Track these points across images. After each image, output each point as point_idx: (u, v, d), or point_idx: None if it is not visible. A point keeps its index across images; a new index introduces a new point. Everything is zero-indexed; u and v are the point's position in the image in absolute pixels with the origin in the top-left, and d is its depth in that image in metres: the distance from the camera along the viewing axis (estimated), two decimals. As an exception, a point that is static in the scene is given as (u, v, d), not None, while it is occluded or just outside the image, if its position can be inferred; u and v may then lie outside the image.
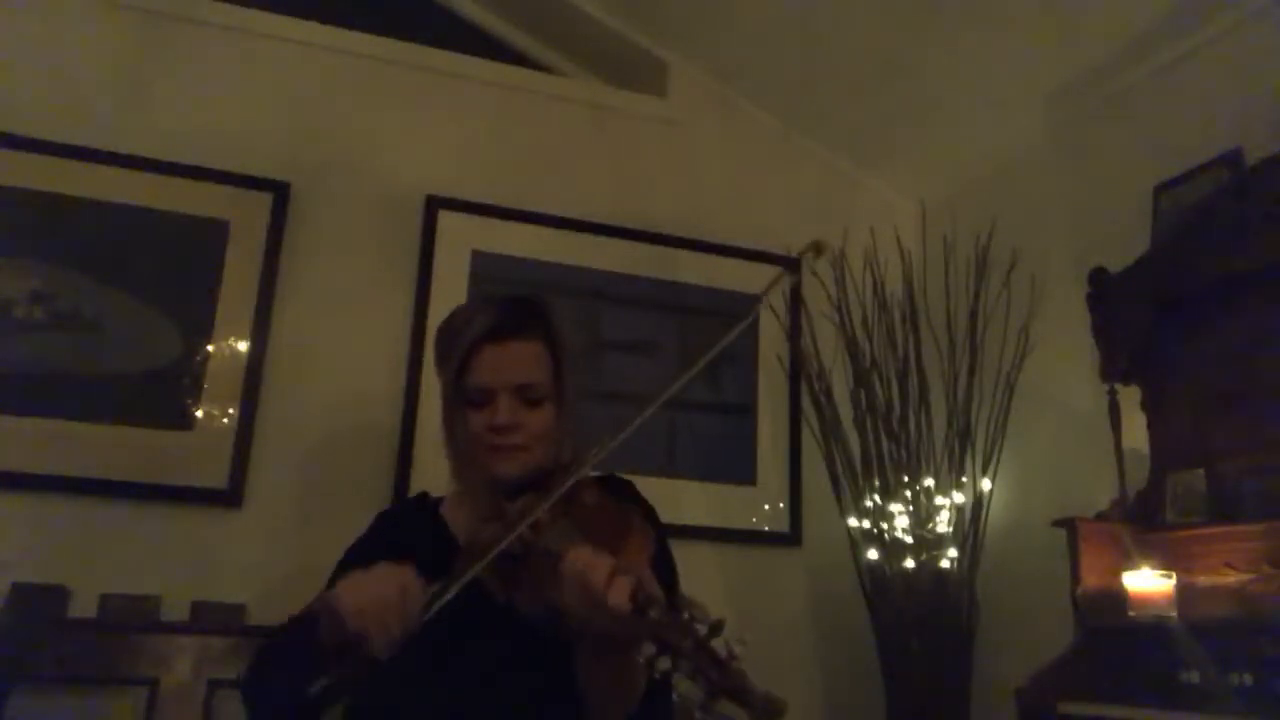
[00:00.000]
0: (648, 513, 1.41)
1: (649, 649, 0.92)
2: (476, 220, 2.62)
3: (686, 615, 0.94)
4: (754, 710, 0.87)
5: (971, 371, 2.48)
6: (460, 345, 1.32)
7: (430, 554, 1.30)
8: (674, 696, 0.95)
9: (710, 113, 2.98)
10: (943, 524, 2.43)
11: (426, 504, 1.51)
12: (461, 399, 1.33)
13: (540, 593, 1.13)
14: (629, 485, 1.46)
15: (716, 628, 0.92)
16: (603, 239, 2.72)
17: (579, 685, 1.18)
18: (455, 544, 1.36)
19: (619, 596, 0.99)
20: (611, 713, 1.17)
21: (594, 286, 2.70)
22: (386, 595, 1.08)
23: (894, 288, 2.66)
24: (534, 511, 1.18)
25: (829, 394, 2.62)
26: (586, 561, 1.05)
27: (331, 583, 1.39)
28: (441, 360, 1.38)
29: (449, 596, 1.11)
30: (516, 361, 1.32)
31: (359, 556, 1.42)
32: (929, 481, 2.46)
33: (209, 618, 2.12)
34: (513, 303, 1.38)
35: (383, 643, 1.06)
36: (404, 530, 1.46)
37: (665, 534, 1.36)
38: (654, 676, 0.92)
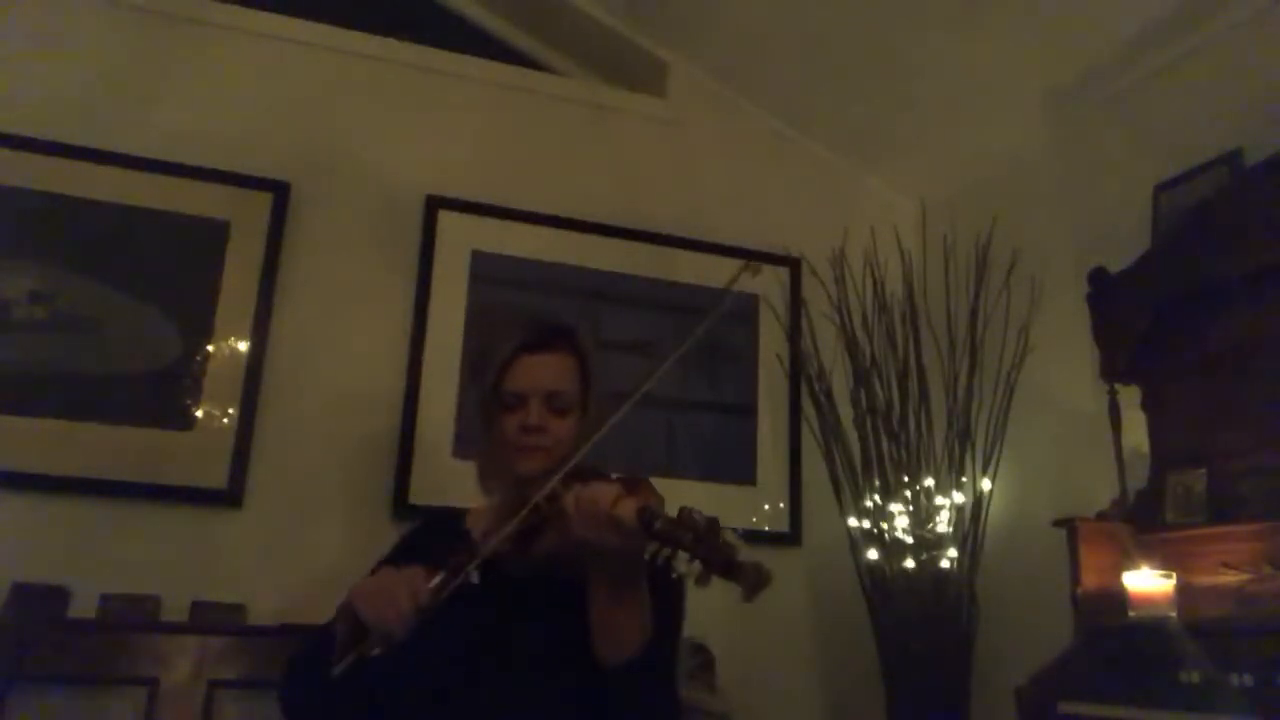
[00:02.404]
0: None
1: (654, 548, 1.05)
2: (476, 220, 2.62)
3: (688, 518, 1.06)
4: (744, 579, 0.99)
5: (971, 371, 2.48)
6: (499, 354, 1.44)
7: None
8: (674, 575, 1.04)
9: (710, 113, 2.98)
10: (943, 524, 2.43)
11: (451, 517, 1.59)
12: (497, 404, 1.44)
13: (556, 539, 1.25)
14: None
15: (713, 523, 1.05)
16: (602, 239, 2.72)
17: (591, 623, 1.24)
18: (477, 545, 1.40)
19: (626, 511, 1.10)
20: (622, 648, 1.23)
21: (594, 286, 2.70)
22: (394, 585, 1.21)
23: (894, 288, 2.66)
24: (549, 482, 1.28)
25: (829, 394, 2.63)
26: (595, 490, 1.17)
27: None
28: (477, 370, 1.50)
29: (461, 579, 1.23)
30: (549, 370, 1.44)
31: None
32: (929, 481, 2.46)
33: (209, 618, 2.12)
34: (548, 321, 1.52)
35: (394, 626, 1.18)
36: (427, 543, 1.53)
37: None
38: (656, 564, 1.04)
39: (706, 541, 1.02)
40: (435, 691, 1.32)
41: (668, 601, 1.27)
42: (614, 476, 1.44)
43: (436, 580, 1.22)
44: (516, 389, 1.42)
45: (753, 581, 0.99)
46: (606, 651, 1.23)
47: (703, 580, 1.01)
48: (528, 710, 1.30)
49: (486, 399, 1.45)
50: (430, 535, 1.57)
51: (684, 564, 1.02)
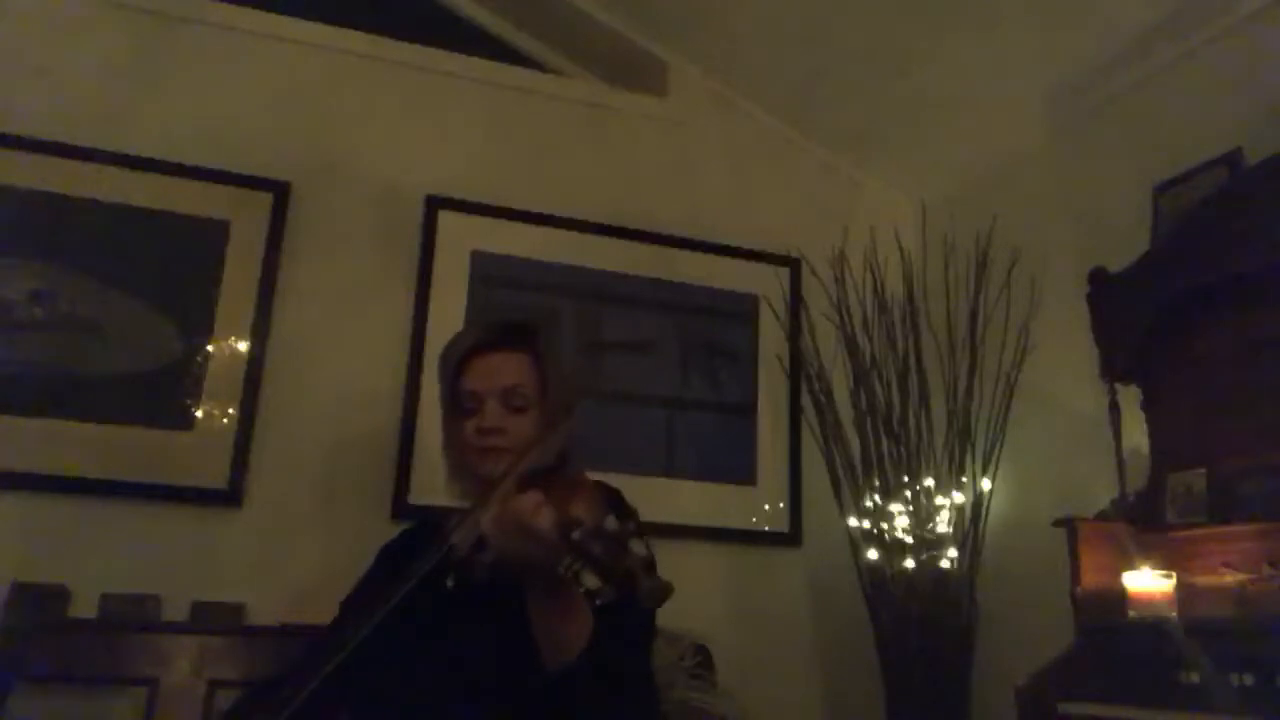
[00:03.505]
0: (628, 515, 1.44)
1: (568, 560, 1.05)
2: (476, 220, 2.62)
3: (602, 530, 1.05)
4: (643, 592, 1.01)
5: (971, 371, 2.48)
6: (454, 358, 1.48)
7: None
8: (581, 589, 1.04)
9: (710, 113, 2.98)
10: (943, 524, 2.43)
11: (431, 522, 1.57)
12: (456, 407, 1.46)
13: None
14: (614, 491, 1.48)
15: (622, 531, 1.04)
16: (603, 239, 2.72)
17: (532, 630, 1.23)
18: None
19: (544, 522, 1.10)
20: (564, 649, 1.22)
21: (594, 286, 2.70)
22: None
23: (894, 288, 2.66)
24: (500, 487, 1.27)
25: (829, 394, 2.62)
26: (518, 500, 1.16)
27: (339, 614, 1.50)
28: (440, 376, 1.52)
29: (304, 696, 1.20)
30: (502, 368, 1.46)
31: (362, 585, 1.53)
32: (929, 481, 2.46)
33: (209, 618, 2.12)
34: (503, 322, 1.55)
35: None
36: (406, 551, 1.54)
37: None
38: (566, 576, 1.05)
39: (611, 554, 1.02)
40: (404, 692, 1.33)
41: (619, 611, 1.21)
42: (570, 476, 1.44)
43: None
44: (471, 388, 1.45)
45: (651, 595, 1.00)
46: (547, 658, 1.22)
47: (604, 595, 1.02)
48: (485, 714, 1.30)
49: (446, 403, 1.48)
50: (409, 546, 1.57)
51: (590, 578, 1.02)
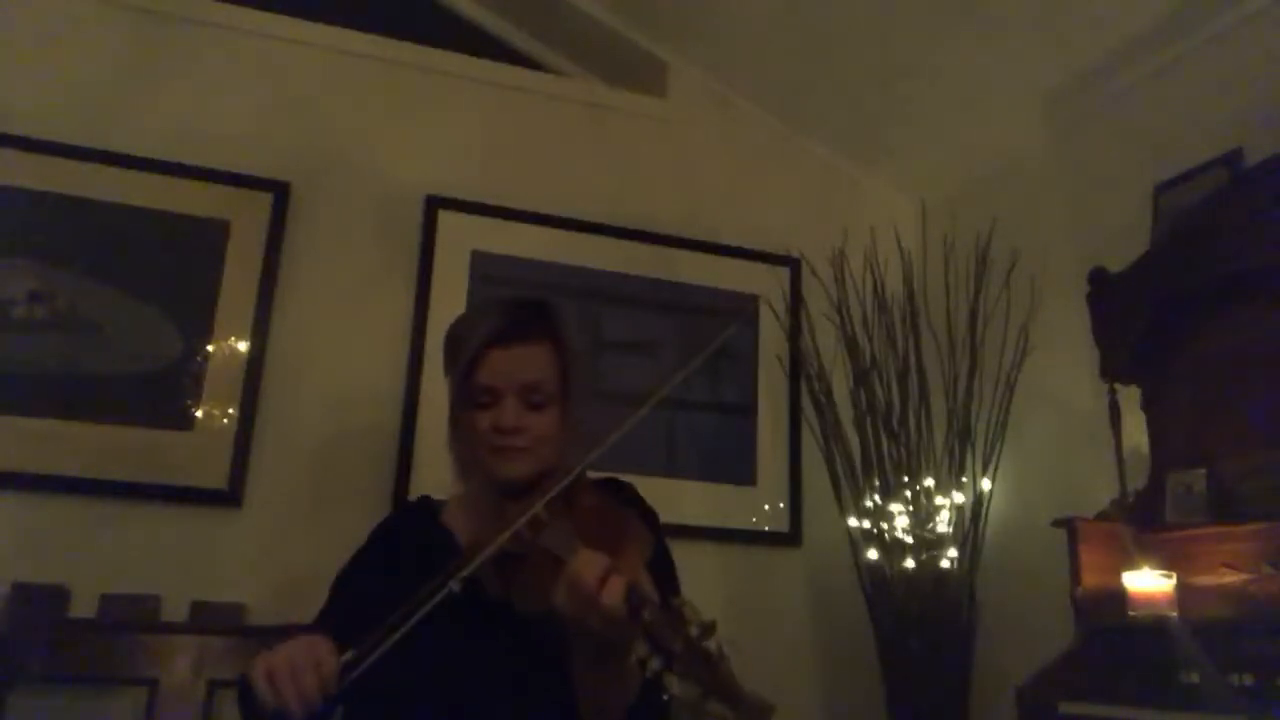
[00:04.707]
0: (647, 516, 1.42)
1: (642, 649, 0.93)
2: (476, 220, 2.62)
3: (680, 617, 0.95)
4: (742, 710, 0.89)
5: (971, 371, 2.48)
6: (469, 348, 1.34)
7: (430, 558, 1.30)
8: (664, 696, 0.93)
9: (710, 113, 2.98)
10: (943, 524, 2.43)
11: (427, 508, 1.52)
12: (469, 400, 1.35)
13: (537, 593, 1.15)
14: (630, 488, 1.47)
15: (708, 629, 0.93)
16: (602, 239, 2.72)
17: (574, 684, 1.18)
18: (457, 547, 1.37)
19: (613, 598, 1.01)
20: (606, 712, 1.18)
21: (594, 286, 2.70)
22: (300, 662, 1.08)
23: (894, 288, 2.66)
24: (531, 509, 1.19)
25: (829, 394, 2.63)
26: (582, 563, 1.06)
27: (331, 596, 1.42)
28: (450, 363, 1.40)
29: (372, 659, 1.11)
30: (523, 363, 1.34)
31: (356, 569, 1.44)
32: (929, 481, 2.46)
33: (209, 618, 2.12)
34: (521, 306, 1.40)
35: (292, 710, 1.06)
36: (403, 538, 1.47)
37: (664, 537, 1.38)
38: (646, 677, 0.93)
39: (699, 658, 0.91)
40: (401, 698, 1.26)
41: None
42: (594, 478, 1.40)
43: (347, 657, 1.10)
44: (489, 384, 1.32)
45: (751, 712, 0.89)
46: (586, 712, 1.17)
47: (696, 709, 0.90)
48: None
49: (456, 395, 1.36)
50: (406, 533, 1.48)
51: (676, 685, 0.90)
